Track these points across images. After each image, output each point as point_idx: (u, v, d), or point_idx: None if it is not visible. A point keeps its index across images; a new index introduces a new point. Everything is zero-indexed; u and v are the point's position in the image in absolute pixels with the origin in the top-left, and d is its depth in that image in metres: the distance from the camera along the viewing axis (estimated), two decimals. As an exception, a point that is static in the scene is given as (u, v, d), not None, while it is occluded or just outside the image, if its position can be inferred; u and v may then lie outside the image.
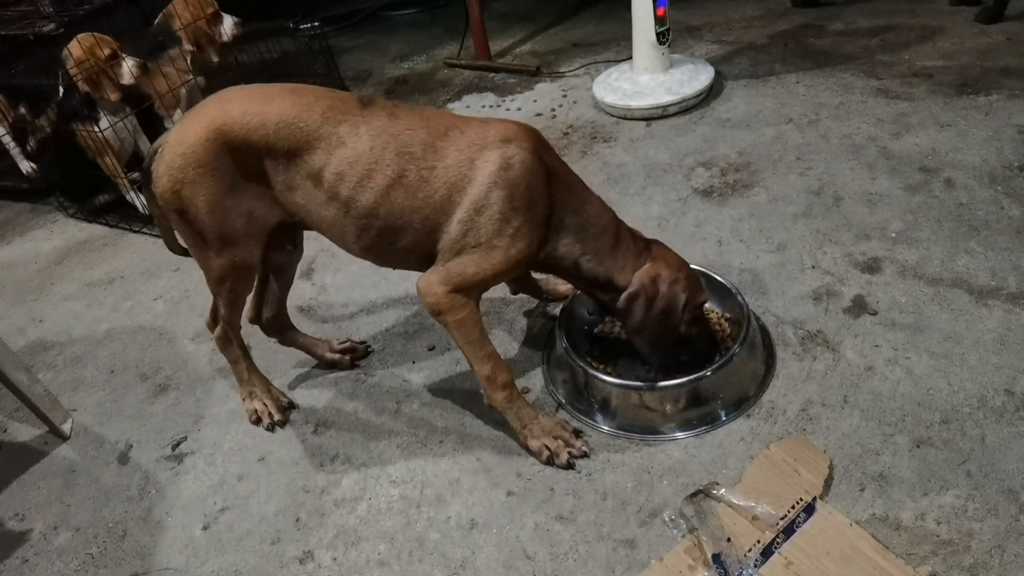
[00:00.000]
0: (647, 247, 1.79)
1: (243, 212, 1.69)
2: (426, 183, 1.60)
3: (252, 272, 1.83)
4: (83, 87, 2.93)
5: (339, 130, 1.60)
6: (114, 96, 2.98)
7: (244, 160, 1.63)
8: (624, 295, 1.74)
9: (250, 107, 1.61)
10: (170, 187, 1.64)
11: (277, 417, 2.02)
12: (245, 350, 2.02)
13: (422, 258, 1.71)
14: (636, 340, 1.80)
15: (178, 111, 3.22)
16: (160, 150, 1.65)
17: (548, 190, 1.65)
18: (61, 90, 3.04)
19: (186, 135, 1.62)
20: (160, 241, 1.94)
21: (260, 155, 1.63)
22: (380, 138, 1.60)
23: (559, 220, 1.70)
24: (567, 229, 1.71)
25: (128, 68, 2.95)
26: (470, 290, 1.65)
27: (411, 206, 1.62)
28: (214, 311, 1.96)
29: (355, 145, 1.60)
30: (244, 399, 2.05)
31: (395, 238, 1.67)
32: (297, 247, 1.99)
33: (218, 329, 1.95)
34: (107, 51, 2.91)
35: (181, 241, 1.84)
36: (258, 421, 2.03)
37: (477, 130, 1.63)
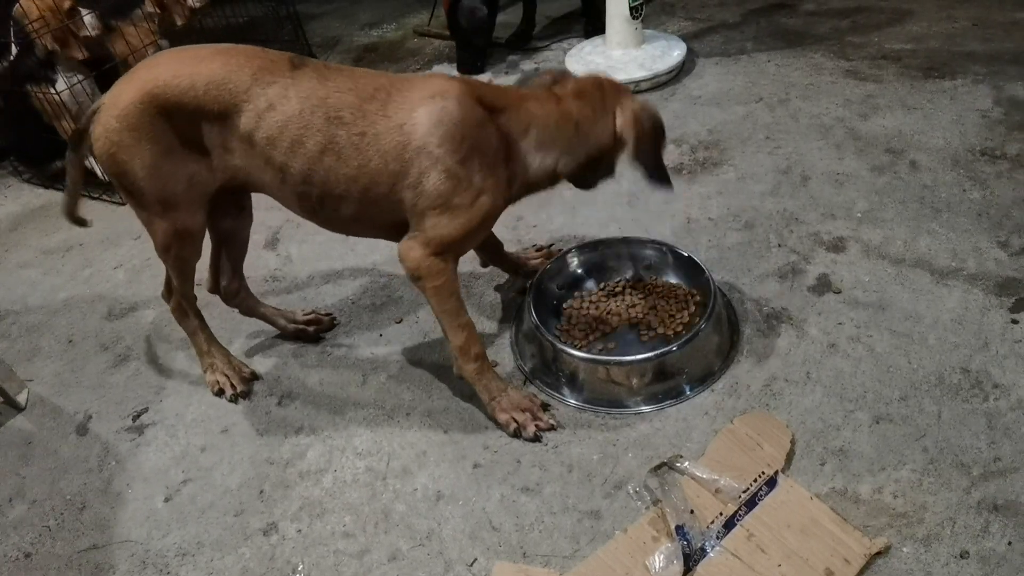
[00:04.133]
0: (604, 104, 1.69)
1: (183, 177, 1.66)
2: (358, 151, 1.56)
3: (196, 238, 1.79)
4: (49, 44, 2.82)
5: (268, 92, 1.57)
6: (79, 55, 2.89)
7: (179, 123, 1.60)
8: (627, 152, 1.69)
9: (180, 69, 1.58)
10: (106, 150, 1.61)
11: (240, 388, 1.99)
12: (202, 320, 1.98)
13: (381, 227, 1.69)
14: (649, 174, 1.73)
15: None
16: (97, 112, 1.62)
17: (494, 127, 1.61)
18: (15, 48, 2.93)
19: (120, 99, 1.59)
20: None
21: (193, 118, 1.60)
22: (309, 101, 1.57)
23: (516, 149, 1.65)
24: (529, 151, 1.67)
25: (89, 21, 2.86)
26: (448, 252, 1.63)
27: (346, 175, 1.59)
28: (168, 282, 1.92)
29: (284, 108, 1.57)
30: (205, 371, 2.02)
31: (337, 206, 1.64)
32: (244, 211, 1.95)
33: (173, 301, 1.92)
34: (67, 5, 2.82)
35: (79, 212, 1.83)
36: (220, 393, 2.00)
37: (402, 91, 1.59)
